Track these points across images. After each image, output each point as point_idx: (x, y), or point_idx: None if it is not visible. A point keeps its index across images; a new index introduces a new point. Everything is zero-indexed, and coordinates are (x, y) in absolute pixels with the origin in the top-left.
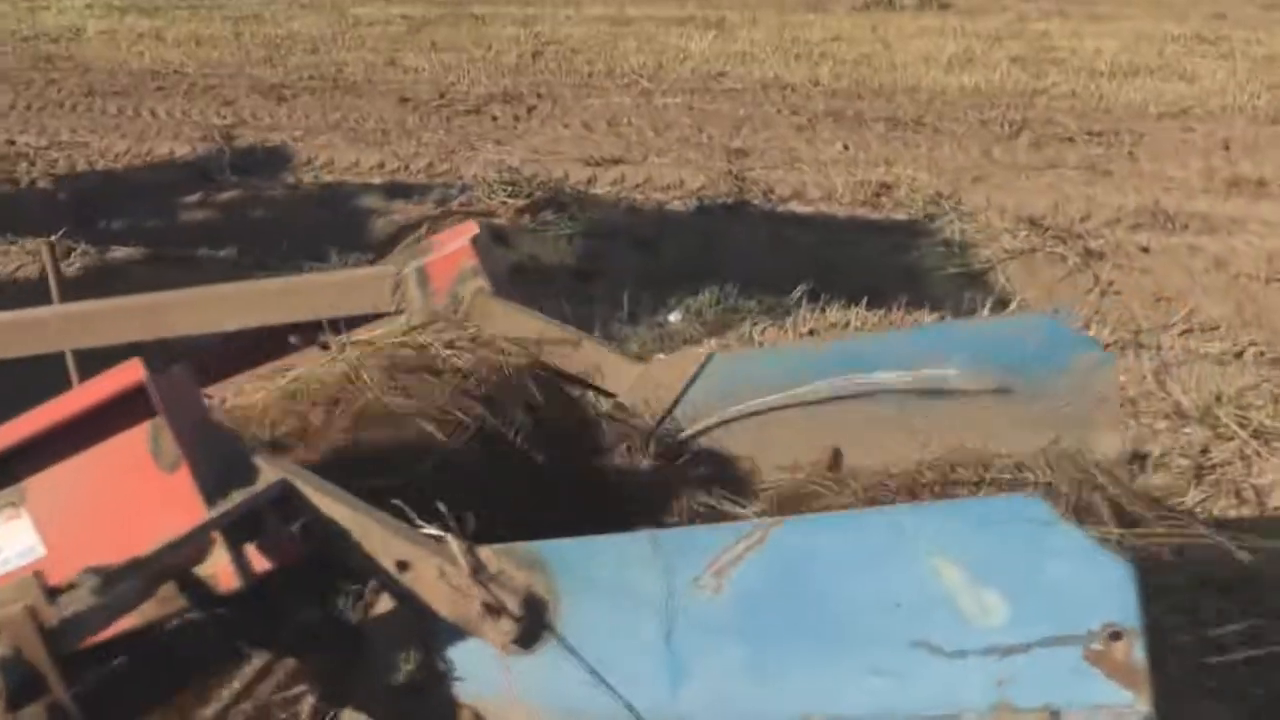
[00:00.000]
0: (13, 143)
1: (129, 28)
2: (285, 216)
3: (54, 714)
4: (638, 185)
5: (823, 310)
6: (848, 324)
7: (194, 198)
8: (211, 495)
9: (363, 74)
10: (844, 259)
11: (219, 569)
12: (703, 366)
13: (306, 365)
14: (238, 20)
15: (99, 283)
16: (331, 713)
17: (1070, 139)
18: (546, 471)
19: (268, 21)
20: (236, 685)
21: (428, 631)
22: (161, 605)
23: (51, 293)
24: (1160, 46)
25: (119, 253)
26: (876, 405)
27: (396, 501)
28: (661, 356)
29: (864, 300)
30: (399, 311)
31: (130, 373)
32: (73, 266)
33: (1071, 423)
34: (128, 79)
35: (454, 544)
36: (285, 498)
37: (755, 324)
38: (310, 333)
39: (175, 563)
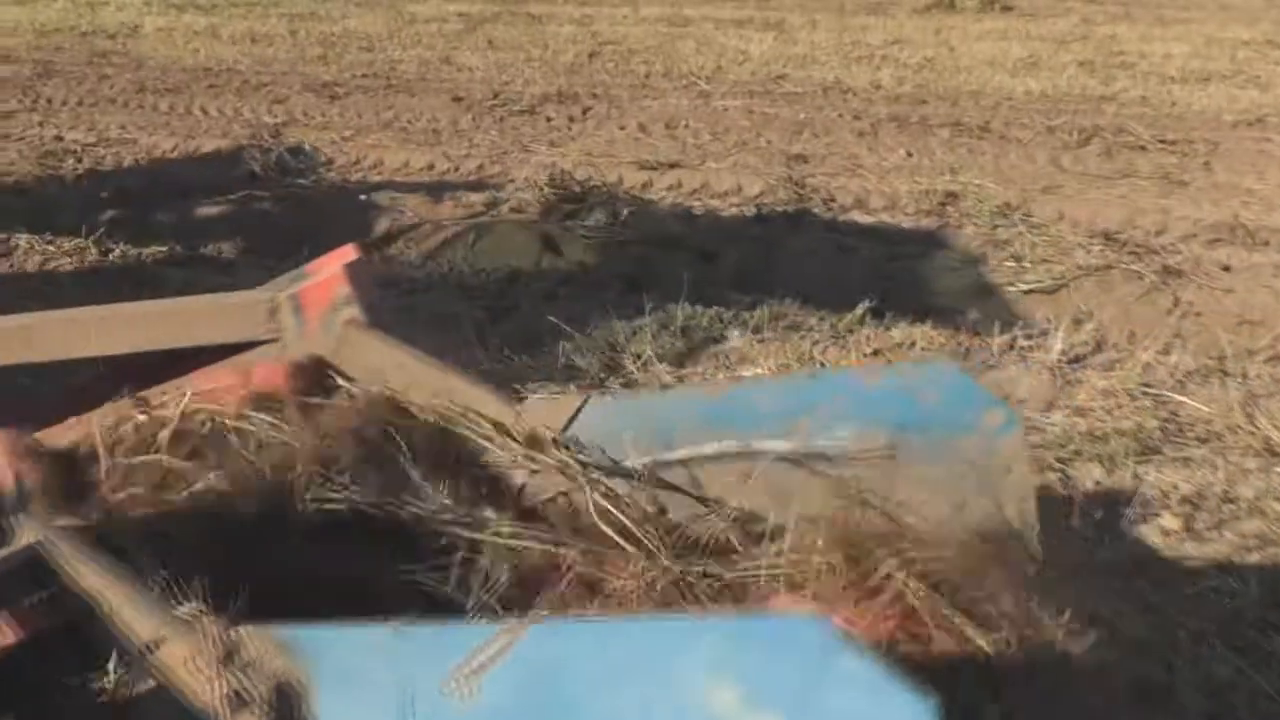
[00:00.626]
0: (60, 139)
1: (186, 25)
2: (329, 217)
3: None
4: (694, 191)
5: (887, 329)
6: (913, 343)
7: (237, 196)
8: None
9: (416, 72)
10: (908, 272)
11: None
12: (578, 412)
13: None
14: (294, 18)
15: (134, 282)
16: None
17: (1142, 147)
18: (388, 530)
19: (324, 19)
20: None
21: (183, 715)
22: None
23: None
24: (1231, 52)
25: (155, 252)
26: (759, 465)
27: (165, 573)
28: (537, 398)
29: (929, 318)
30: (274, 339)
31: None
32: (109, 265)
33: (977, 491)
34: (180, 76)
35: (207, 625)
36: (35, 563)
37: (816, 343)
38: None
39: None
